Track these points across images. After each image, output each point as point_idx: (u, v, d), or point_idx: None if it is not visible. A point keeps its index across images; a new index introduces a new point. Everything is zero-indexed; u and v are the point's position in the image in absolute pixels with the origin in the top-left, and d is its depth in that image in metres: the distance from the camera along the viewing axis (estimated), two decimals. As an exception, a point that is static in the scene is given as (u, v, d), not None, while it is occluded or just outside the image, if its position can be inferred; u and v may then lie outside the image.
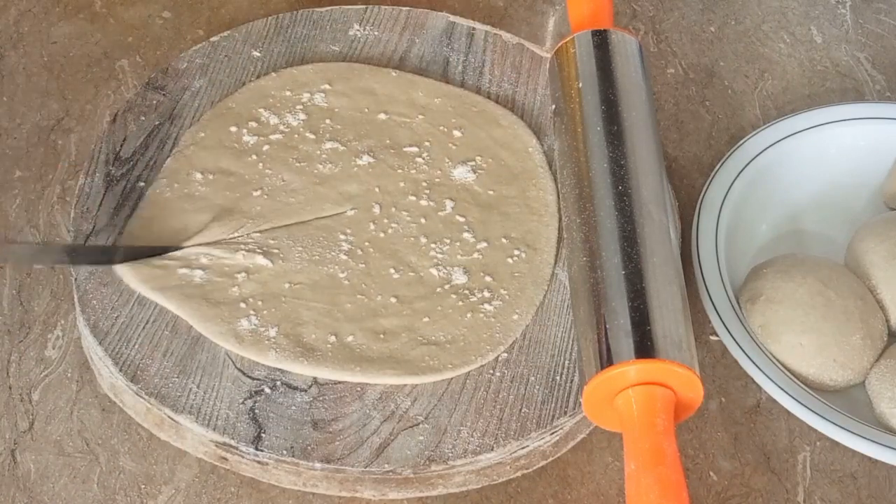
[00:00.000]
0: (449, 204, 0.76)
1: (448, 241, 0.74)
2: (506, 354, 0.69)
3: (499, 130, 0.81)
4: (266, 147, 0.78)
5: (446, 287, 0.72)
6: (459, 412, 0.66)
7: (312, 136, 0.79)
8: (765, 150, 0.81)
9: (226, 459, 0.66)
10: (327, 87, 0.82)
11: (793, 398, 0.68)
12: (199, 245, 0.72)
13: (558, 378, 0.68)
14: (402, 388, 0.67)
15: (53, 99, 0.85)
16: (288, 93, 0.82)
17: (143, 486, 0.66)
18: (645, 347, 0.62)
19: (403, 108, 0.82)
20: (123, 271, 0.70)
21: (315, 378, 0.67)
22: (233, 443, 0.64)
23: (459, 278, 0.72)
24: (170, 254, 0.71)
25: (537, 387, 0.68)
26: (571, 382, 0.68)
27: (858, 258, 0.76)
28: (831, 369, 0.71)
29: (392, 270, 0.72)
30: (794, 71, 0.92)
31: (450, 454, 0.65)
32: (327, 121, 0.80)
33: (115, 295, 0.70)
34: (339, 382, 0.67)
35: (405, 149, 0.79)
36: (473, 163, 0.79)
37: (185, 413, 0.65)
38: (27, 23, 0.91)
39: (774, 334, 0.72)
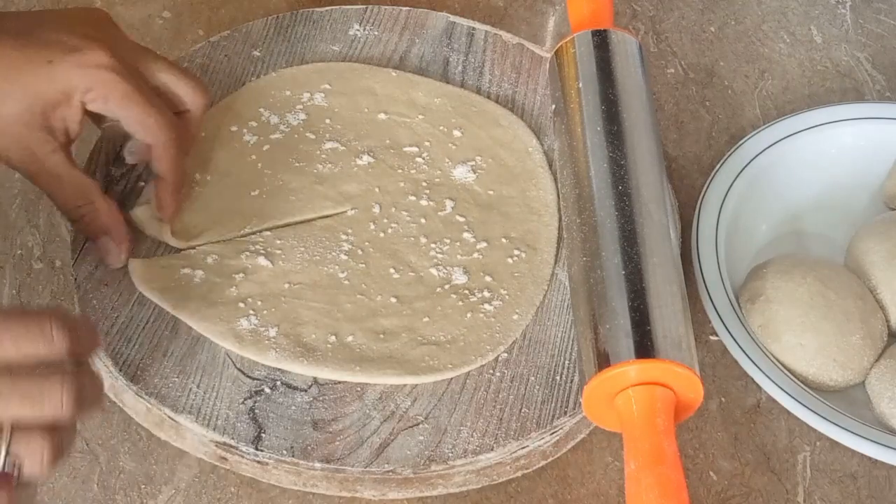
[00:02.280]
0: (449, 204, 0.76)
1: (448, 241, 0.74)
2: (506, 354, 0.69)
3: (499, 130, 0.81)
4: (266, 147, 0.78)
5: (446, 287, 0.72)
6: (459, 412, 0.66)
7: (312, 136, 0.79)
8: (765, 150, 0.81)
9: (226, 459, 0.66)
10: (327, 87, 0.82)
11: (793, 398, 0.68)
12: (207, 244, 0.72)
13: (558, 378, 0.68)
14: (402, 388, 0.67)
15: (53, 99, 0.85)
16: (288, 93, 0.82)
17: (143, 486, 0.66)
18: (645, 347, 0.62)
19: (403, 108, 0.82)
20: (133, 266, 0.70)
21: (315, 378, 0.67)
22: (233, 443, 0.64)
23: (459, 278, 0.72)
24: (177, 253, 0.72)
25: (537, 387, 0.68)
26: (571, 382, 0.68)
27: (859, 258, 0.76)
28: (831, 369, 0.71)
29: (392, 270, 0.72)
30: (794, 71, 0.93)
31: (450, 454, 0.65)
32: (327, 121, 0.80)
33: (115, 295, 0.70)
34: (339, 382, 0.67)
35: (405, 149, 0.79)
36: (473, 163, 0.79)
37: (185, 413, 0.65)
38: (27, 23, 0.91)
39: (774, 334, 0.72)
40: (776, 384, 0.69)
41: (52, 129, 0.67)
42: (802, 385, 0.70)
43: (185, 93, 0.71)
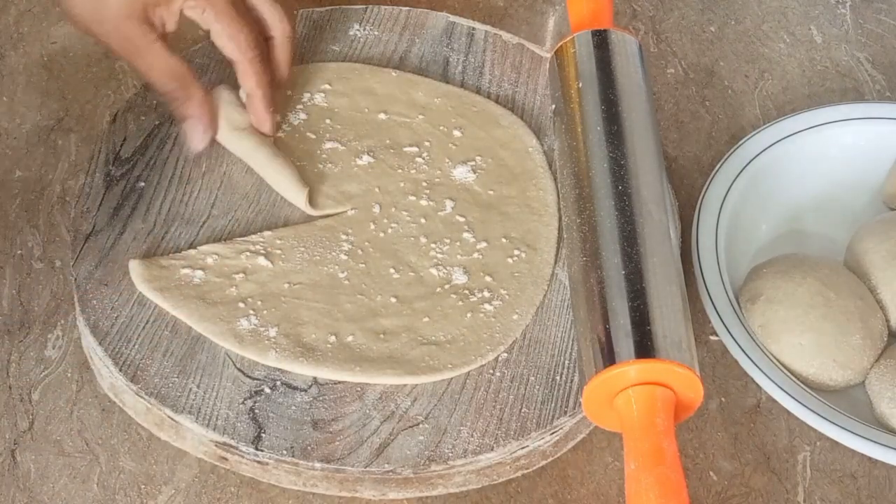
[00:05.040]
0: (449, 204, 0.76)
1: (448, 241, 0.74)
2: (506, 354, 0.69)
3: (499, 130, 0.81)
4: (266, 147, 0.78)
5: (446, 287, 0.72)
6: (459, 412, 0.66)
7: (312, 136, 0.79)
8: (765, 150, 0.81)
9: (226, 459, 0.66)
10: (327, 87, 0.82)
11: (793, 398, 0.68)
12: (207, 244, 0.72)
13: (558, 378, 0.68)
14: (402, 388, 0.67)
15: (53, 99, 0.85)
16: (288, 93, 0.81)
17: (143, 486, 0.66)
18: (645, 347, 0.62)
19: (403, 108, 0.82)
20: (133, 266, 0.70)
21: (315, 378, 0.67)
22: (233, 443, 0.64)
23: (459, 278, 0.72)
24: (177, 254, 0.72)
25: (537, 387, 0.68)
26: (571, 382, 0.68)
27: (858, 258, 0.76)
28: (831, 369, 0.71)
29: (392, 270, 0.72)
30: (794, 71, 0.93)
31: (450, 454, 0.65)
32: (327, 121, 0.80)
33: (115, 295, 0.70)
34: (339, 382, 0.67)
35: (405, 149, 0.79)
36: (473, 163, 0.79)
37: (185, 413, 0.65)
38: (27, 23, 0.91)
39: (774, 334, 0.72)
40: (776, 384, 0.69)
41: (151, 22, 0.71)
42: (802, 385, 0.70)
43: (272, 19, 0.76)
